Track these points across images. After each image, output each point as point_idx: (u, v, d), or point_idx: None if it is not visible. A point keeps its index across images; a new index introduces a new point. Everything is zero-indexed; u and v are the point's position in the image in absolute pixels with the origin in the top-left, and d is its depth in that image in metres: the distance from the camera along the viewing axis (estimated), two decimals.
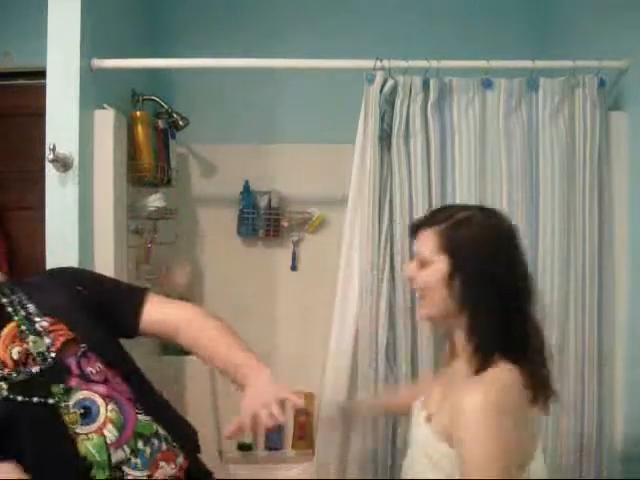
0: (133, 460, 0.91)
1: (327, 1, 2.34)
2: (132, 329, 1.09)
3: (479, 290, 0.95)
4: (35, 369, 0.90)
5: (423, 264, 1.01)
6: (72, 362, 0.93)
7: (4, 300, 0.97)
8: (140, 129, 1.82)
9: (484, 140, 1.67)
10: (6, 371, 0.89)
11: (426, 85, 1.63)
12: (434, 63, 1.62)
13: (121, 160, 1.70)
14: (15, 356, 0.90)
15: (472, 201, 1.64)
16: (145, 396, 1.01)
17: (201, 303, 2.32)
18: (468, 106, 1.66)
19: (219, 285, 2.33)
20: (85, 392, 0.91)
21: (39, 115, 1.53)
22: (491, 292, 0.94)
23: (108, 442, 0.90)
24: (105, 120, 1.62)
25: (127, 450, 0.91)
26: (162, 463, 0.94)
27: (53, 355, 0.92)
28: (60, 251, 1.52)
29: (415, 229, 1.05)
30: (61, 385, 0.90)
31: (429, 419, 1.00)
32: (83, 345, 0.95)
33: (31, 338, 0.92)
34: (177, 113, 2.07)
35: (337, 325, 1.68)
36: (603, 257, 1.66)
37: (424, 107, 1.64)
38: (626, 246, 1.67)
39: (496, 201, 1.65)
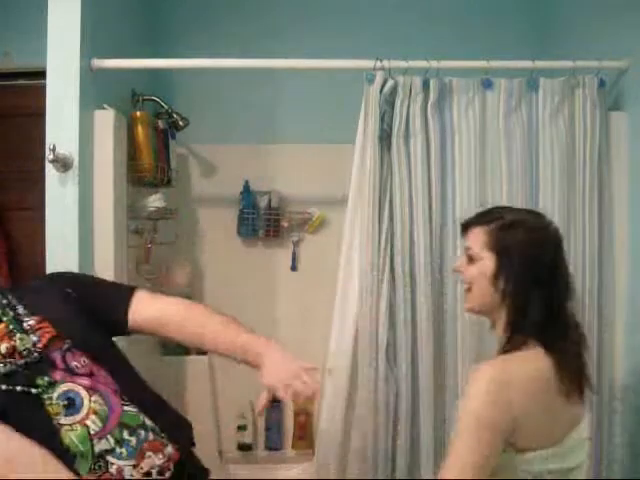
0: (118, 450, 0.94)
1: (327, 1, 2.34)
2: (122, 327, 1.12)
3: (521, 287, 1.02)
4: (21, 362, 0.95)
5: (471, 259, 1.10)
6: (57, 357, 0.97)
7: None
8: (140, 129, 1.82)
9: (484, 140, 1.67)
10: None
11: (426, 85, 1.64)
12: (434, 63, 1.62)
13: (121, 160, 1.70)
14: (3, 350, 0.95)
15: (472, 201, 1.64)
16: (133, 388, 1.03)
17: (201, 303, 2.31)
18: (468, 106, 1.66)
19: (219, 285, 2.33)
20: (69, 384, 0.95)
21: (39, 115, 1.53)
22: (531, 289, 1.01)
23: (91, 432, 0.93)
24: (105, 120, 1.62)
25: (111, 440, 0.94)
26: (149, 453, 0.96)
27: (39, 350, 0.97)
28: (60, 251, 1.52)
29: (466, 226, 1.14)
30: (46, 378, 0.94)
31: None
32: (68, 341, 0.99)
33: (18, 336, 0.97)
34: (177, 113, 2.07)
35: (337, 325, 1.68)
36: (603, 257, 1.66)
37: (424, 107, 1.64)
38: (626, 246, 1.67)
39: (496, 201, 1.65)
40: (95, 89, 1.61)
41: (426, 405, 1.63)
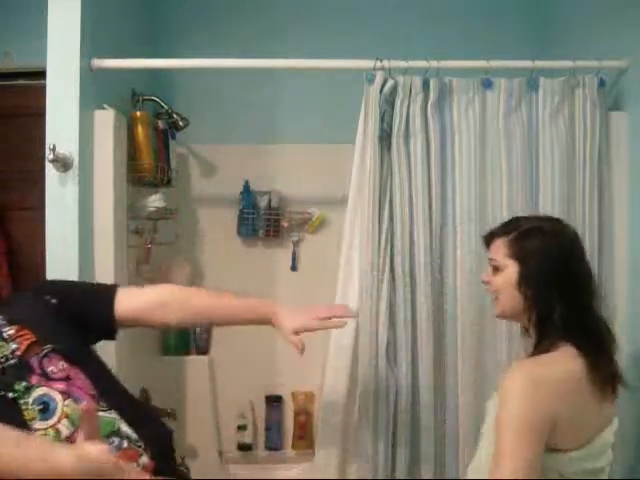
0: None
1: (327, 1, 2.34)
2: (110, 324, 1.12)
3: (544, 291, 1.07)
4: None
5: (496, 270, 1.16)
6: (35, 362, 0.97)
7: None
8: (140, 129, 1.82)
9: (484, 140, 1.67)
10: None
11: (426, 85, 1.64)
12: (434, 63, 1.62)
13: (121, 160, 1.70)
14: None
15: (472, 201, 1.64)
16: (111, 394, 1.03)
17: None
18: (468, 106, 1.66)
19: (219, 285, 2.31)
20: (45, 388, 0.95)
21: (39, 115, 1.53)
22: (555, 292, 1.06)
23: (62, 437, 0.92)
24: (105, 120, 1.62)
25: None
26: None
27: (18, 356, 0.97)
28: (60, 251, 1.52)
29: (489, 239, 1.20)
30: (23, 383, 0.95)
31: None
32: (46, 347, 0.99)
33: None
34: (177, 113, 2.07)
35: None
36: (603, 257, 1.66)
37: (424, 107, 1.64)
38: (626, 246, 1.67)
39: (496, 201, 1.66)
40: (95, 89, 1.61)
41: (426, 405, 1.63)
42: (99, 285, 1.25)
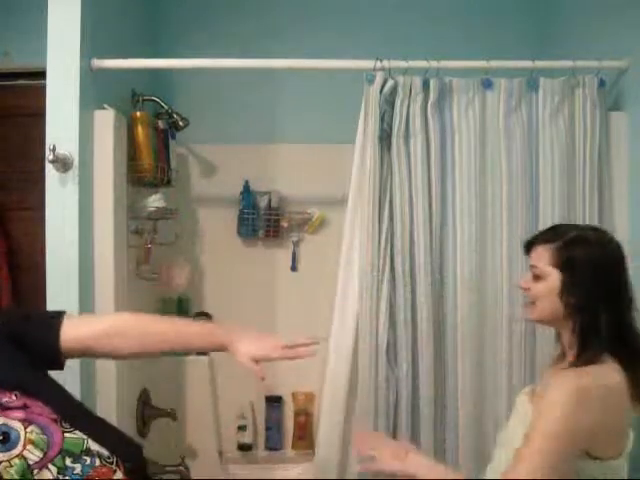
0: (61, 478, 0.90)
1: (327, 1, 2.34)
2: (55, 356, 1.07)
3: (587, 302, 1.08)
4: None
5: (537, 277, 1.15)
6: None
7: None
8: (140, 129, 1.82)
9: (484, 140, 1.67)
10: None
11: (426, 85, 1.64)
12: (434, 63, 1.62)
13: (121, 160, 1.70)
14: None
15: (472, 201, 1.64)
16: (73, 415, 1.00)
17: (201, 303, 2.32)
18: (468, 106, 1.66)
19: (219, 285, 2.33)
20: (2, 418, 0.91)
21: (39, 115, 1.53)
22: (598, 303, 1.07)
23: (30, 463, 0.89)
24: (105, 120, 1.62)
25: (53, 469, 0.90)
26: None
27: None
28: (60, 251, 1.52)
29: (530, 245, 1.19)
30: None
31: (531, 400, 1.15)
32: None
33: None
34: (177, 113, 2.07)
35: (337, 325, 1.68)
36: None
37: (424, 107, 1.64)
38: (626, 246, 1.67)
39: (496, 201, 1.66)
40: (95, 89, 1.61)
41: (426, 405, 1.63)
42: (42, 316, 1.17)
